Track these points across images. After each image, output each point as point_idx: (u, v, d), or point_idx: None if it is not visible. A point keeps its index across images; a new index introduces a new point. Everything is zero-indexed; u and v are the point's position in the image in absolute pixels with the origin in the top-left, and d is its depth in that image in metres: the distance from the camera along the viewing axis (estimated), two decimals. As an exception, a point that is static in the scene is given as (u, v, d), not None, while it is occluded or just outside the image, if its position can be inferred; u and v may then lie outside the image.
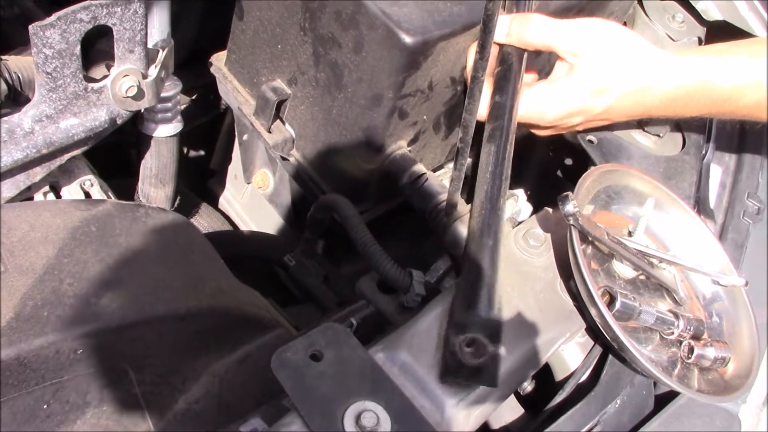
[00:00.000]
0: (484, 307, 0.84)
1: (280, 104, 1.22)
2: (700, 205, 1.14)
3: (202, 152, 1.74)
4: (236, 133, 1.46)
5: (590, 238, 0.88)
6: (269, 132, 1.23)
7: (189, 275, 0.92)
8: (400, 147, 1.15)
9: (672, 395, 0.98)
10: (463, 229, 1.02)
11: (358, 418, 0.74)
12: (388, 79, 1.05)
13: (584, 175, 0.93)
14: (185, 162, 1.71)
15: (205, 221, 1.46)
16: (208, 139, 1.66)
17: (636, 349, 0.83)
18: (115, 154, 1.41)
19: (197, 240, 1.00)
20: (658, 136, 1.16)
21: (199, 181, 1.66)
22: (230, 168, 1.57)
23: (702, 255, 0.99)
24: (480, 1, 1.07)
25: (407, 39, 1.00)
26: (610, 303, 0.85)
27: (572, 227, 0.84)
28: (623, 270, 0.92)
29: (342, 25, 1.07)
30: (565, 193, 0.83)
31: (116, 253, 0.87)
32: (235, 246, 1.38)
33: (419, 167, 1.14)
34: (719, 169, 1.24)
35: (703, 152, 1.22)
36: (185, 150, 1.73)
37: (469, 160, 1.30)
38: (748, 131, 1.30)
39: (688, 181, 1.12)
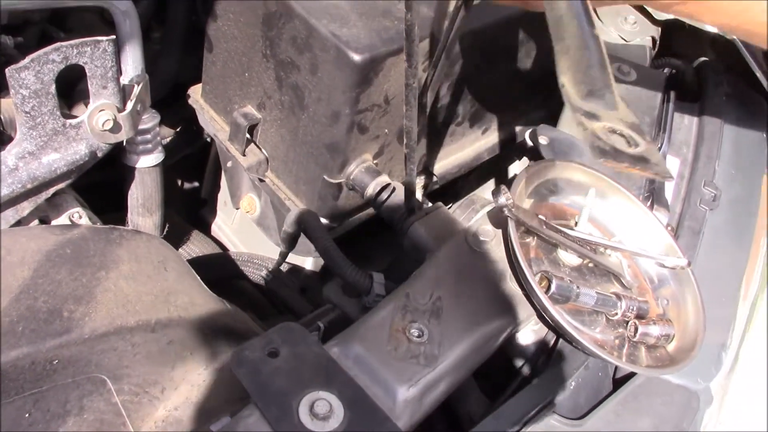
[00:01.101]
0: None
1: (252, 128, 1.29)
2: (655, 195, 1.18)
3: (196, 183, 1.82)
4: (221, 161, 1.53)
5: (528, 228, 0.93)
6: (244, 155, 1.30)
7: (160, 290, 0.98)
8: (364, 161, 1.21)
9: (631, 377, 1.02)
10: (420, 230, 1.07)
11: (311, 407, 0.79)
12: (343, 96, 1.11)
13: (522, 169, 0.98)
14: (180, 193, 1.79)
15: (196, 247, 1.53)
16: (200, 170, 1.74)
17: (571, 325, 0.87)
18: (111, 190, 1.48)
19: (171, 258, 1.06)
20: (610, 132, 1.20)
21: (194, 210, 1.74)
22: (219, 195, 1.65)
23: (647, 239, 1.03)
24: (425, 19, 1.14)
25: (356, 57, 1.07)
26: (549, 287, 0.89)
27: (508, 218, 0.89)
28: (568, 258, 0.97)
29: (298, 49, 1.14)
30: (497, 186, 0.88)
31: (90, 272, 0.94)
32: (219, 267, 1.45)
33: (383, 178, 1.20)
34: (677, 161, 1.28)
35: (659, 145, 1.27)
36: (179, 182, 1.80)
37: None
38: (706, 123, 1.34)
39: (640, 173, 1.16)
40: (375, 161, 1.24)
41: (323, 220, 1.28)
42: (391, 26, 1.12)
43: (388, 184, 1.20)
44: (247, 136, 1.29)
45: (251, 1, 1.18)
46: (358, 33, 1.10)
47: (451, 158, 1.42)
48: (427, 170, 1.39)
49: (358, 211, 1.33)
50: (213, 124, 1.37)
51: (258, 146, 1.31)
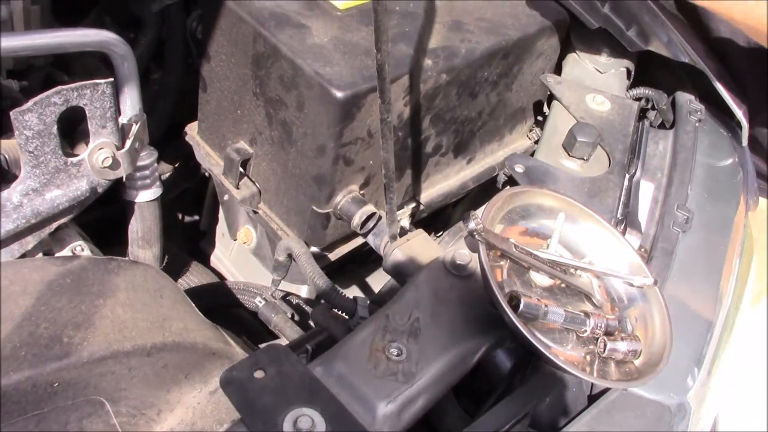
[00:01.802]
0: None
1: (245, 163, 1.35)
2: (629, 218, 1.24)
3: (195, 217, 1.88)
4: (218, 195, 1.60)
5: (500, 251, 0.98)
6: (237, 189, 1.36)
7: (155, 316, 1.04)
8: (350, 191, 1.28)
9: (605, 392, 1.07)
10: (401, 255, 1.13)
11: (295, 422, 0.84)
12: (327, 131, 1.18)
13: (495, 197, 1.03)
14: (180, 226, 1.85)
15: (195, 277, 1.59)
16: (199, 204, 1.81)
17: (539, 340, 0.92)
18: (113, 225, 1.54)
19: (166, 286, 1.12)
20: (584, 159, 1.27)
21: (194, 243, 1.80)
22: (217, 228, 1.71)
23: (617, 261, 1.08)
24: (404, 56, 1.21)
25: (338, 93, 1.14)
26: (519, 306, 0.94)
27: (479, 242, 0.95)
28: (539, 279, 1.02)
29: (285, 87, 1.21)
30: (468, 212, 0.94)
31: (89, 300, 1.00)
32: (215, 296, 1.50)
33: (369, 208, 1.26)
34: (651, 186, 1.33)
35: (633, 171, 1.32)
36: (180, 216, 1.87)
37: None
38: (680, 149, 1.40)
39: (612, 198, 1.22)
40: (362, 192, 1.30)
41: (314, 249, 1.34)
42: (372, 64, 1.19)
43: (374, 213, 1.26)
44: (241, 170, 1.35)
45: (242, 43, 1.25)
46: (340, 71, 1.17)
47: (437, 187, 1.48)
48: (414, 199, 1.46)
49: (348, 239, 1.39)
50: (209, 159, 1.44)
51: (251, 179, 1.38)
